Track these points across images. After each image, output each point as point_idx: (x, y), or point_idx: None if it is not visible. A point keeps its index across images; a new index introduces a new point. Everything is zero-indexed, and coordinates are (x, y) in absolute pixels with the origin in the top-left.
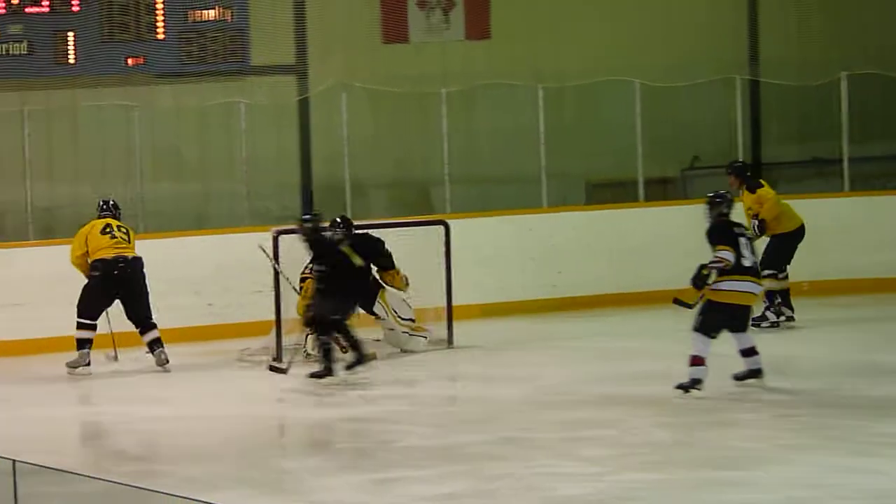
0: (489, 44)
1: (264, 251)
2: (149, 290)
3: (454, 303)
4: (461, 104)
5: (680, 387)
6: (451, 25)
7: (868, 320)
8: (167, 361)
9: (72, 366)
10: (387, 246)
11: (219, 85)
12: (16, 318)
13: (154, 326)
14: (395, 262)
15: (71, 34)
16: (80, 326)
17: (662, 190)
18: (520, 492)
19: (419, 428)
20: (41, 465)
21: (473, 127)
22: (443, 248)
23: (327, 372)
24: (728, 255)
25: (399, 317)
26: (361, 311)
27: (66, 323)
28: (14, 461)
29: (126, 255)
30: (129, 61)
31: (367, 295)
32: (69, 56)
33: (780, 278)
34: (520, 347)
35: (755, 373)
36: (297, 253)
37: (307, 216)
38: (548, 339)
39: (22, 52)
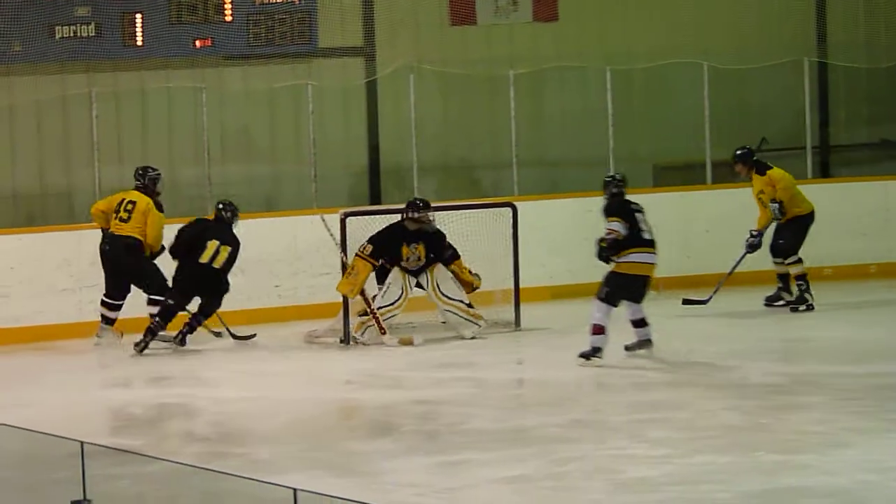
0: (557, 26)
1: (324, 222)
2: (147, 268)
3: (522, 285)
4: (529, 87)
5: (582, 355)
6: (518, 7)
7: None
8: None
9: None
10: (448, 240)
11: (286, 67)
12: (86, 300)
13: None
14: (461, 253)
15: (139, 16)
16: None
17: (730, 172)
18: (589, 474)
19: (487, 411)
20: (109, 447)
21: (541, 109)
22: (510, 231)
23: (144, 345)
24: (617, 225)
25: (441, 292)
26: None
27: (134, 305)
28: (82, 443)
29: (113, 232)
30: (197, 43)
31: (211, 294)
32: (137, 38)
33: (788, 263)
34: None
35: (645, 343)
36: (359, 234)
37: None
38: (616, 322)
39: (90, 34)
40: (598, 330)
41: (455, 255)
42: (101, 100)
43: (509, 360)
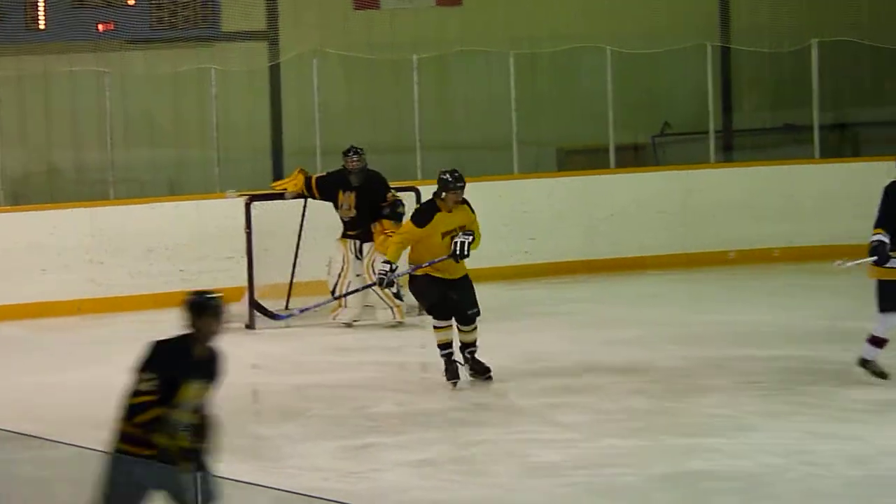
0: (461, 10)
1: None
2: None
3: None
4: (434, 71)
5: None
6: None
7: (839, 287)
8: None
9: None
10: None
11: (190, 51)
12: None
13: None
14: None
15: (41, 0)
16: None
17: (633, 156)
18: (497, 458)
19: (394, 394)
20: (11, 431)
21: (446, 94)
22: None
23: None
24: None
25: (374, 270)
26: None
27: (36, 290)
28: None
29: None
30: (100, 27)
31: None
32: (39, 22)
33: None
34: (493, 314)
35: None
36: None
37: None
38: (521, 306)
39: None
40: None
41: (391, 217)
42: (4, 84)
43: (414, 343)
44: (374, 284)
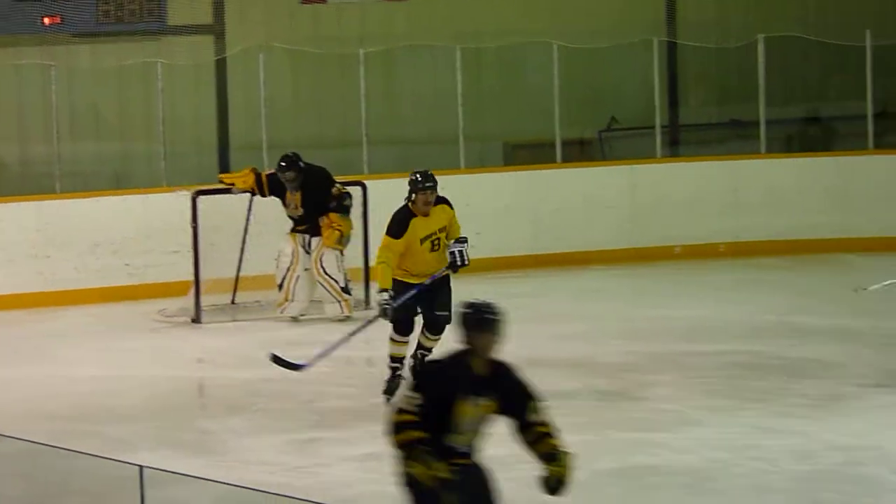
0: (407, 5)
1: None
2: None
3: (372, 263)
4: (380, 65)
5: None
6: None
7: (785, 282)
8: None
9: None
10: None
11: (136, 44)
12: None
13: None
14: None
15: None
16: None
17: (580, 151)
18: None
19: (340, 389)
20: None
21: (392, 88)
22: (360, 209)
23: None
24: None
25: (321, 264)
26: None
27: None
28: None
29: None
30: (46, 20)
31: None
32: None
33: None
34: None
35: None
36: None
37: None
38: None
39: None
40: None
41: (338, 210)
42: None
43: (359, 338)
44: (377, 318)
